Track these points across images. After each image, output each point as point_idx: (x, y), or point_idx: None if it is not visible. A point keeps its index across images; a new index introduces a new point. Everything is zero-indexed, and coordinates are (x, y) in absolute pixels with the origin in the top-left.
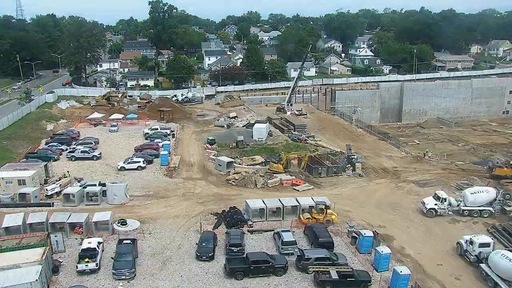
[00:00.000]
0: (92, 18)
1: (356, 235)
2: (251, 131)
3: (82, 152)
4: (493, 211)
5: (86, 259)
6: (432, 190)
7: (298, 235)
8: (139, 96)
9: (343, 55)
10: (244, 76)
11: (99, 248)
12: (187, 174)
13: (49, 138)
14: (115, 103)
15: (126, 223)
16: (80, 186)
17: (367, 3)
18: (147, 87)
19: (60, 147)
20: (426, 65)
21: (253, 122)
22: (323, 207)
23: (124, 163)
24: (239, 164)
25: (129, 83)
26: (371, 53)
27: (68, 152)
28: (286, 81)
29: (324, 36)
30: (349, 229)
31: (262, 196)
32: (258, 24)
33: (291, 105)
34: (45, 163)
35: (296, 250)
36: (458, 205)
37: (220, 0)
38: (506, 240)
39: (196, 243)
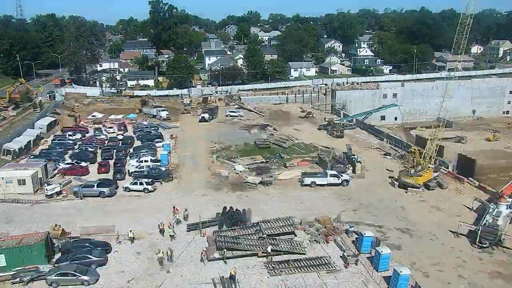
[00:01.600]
0: (92, 18)
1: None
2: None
3: None
4: None
5: None
6: None
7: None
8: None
9: (343, 55)
10: (245, 76)
11: None
12: (187, 173)
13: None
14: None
15: None
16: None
17: (367, 3)
18: (147, 87)
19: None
20: (426, 65)
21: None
22: None
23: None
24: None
25: (129, 83)
26: (371, 53)
27: None
28: (287, 81)
29: (325, 36)
30: (349, 229)
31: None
32: (258, 24)
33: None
34: (45, 163)
35: None
36: None
37: (220, 0)
38: None
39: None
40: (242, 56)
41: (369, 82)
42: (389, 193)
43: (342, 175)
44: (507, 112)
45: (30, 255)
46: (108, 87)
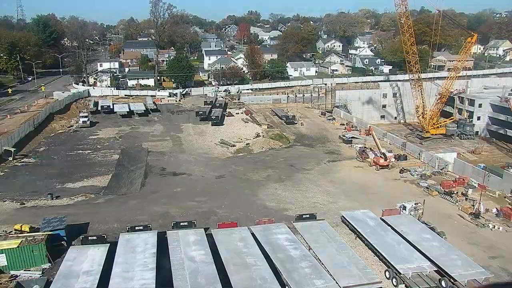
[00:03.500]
0: (93, 18)
1: None
2: None
3: None
4: None
5: None
6: None
7: None
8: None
9: (343, 55)
10: (246, 76)
11: None
12: None
13: None
14: None
15: None
16: None
17: (367, 3)
18: (148, 87)
19: None
20: (426, 65)
21: None
22: None
23: None
24: None
25: (130, 83)
26: (371, 53)
27: None
28: (287, 80)
29: (324, 36)
30: None
31: None
32: (258, 24)
33: None
34: None
35: None
36: None
37: (221, 0)
38: None
39: None
40: (242, 56)
41: (368, 81)
42: None
43: None
44: None
45: (31, 255)
46: (109, 86)
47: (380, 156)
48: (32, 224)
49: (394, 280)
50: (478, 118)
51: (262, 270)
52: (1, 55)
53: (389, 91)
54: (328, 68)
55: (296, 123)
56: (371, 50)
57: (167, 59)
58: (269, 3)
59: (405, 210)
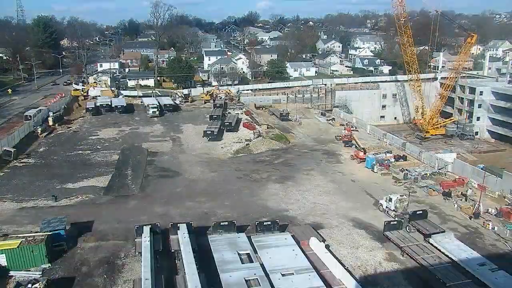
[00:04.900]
0: (93, 19)
1: None
2: None
3: None
4: None
5: None
6: None
7: None
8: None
9: (342, 55)
10: (246, 76)
11: None
12: None
13: None
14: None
15: None
16: None
17: (368, 3)
18: (148, 87)
19: None
20: (425, 66)
21: None
22: None
23: None
24: None
25: (130, 83)
26: (371, 53)
27: None
28: (287, 81)
29: (324, 37)
30: None
31: None
32: (259, 25)
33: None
34: None
35: None
36: None
37: (221, 0)
38: None
39: None
40: (242, 57)
41: (368, 82)
42: None
43: None
44: None
45: (31, 255)
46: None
47: (360, 150)
48: (32, 224)
49: None
50: (478, 119)
51: None
52: (2, 56)
53: (388, 92)
54: (328, 68)
55: (291, 120)
56: (371, 51)
57: (167, 59)
58: (270, 4)
59: (391, 201)
